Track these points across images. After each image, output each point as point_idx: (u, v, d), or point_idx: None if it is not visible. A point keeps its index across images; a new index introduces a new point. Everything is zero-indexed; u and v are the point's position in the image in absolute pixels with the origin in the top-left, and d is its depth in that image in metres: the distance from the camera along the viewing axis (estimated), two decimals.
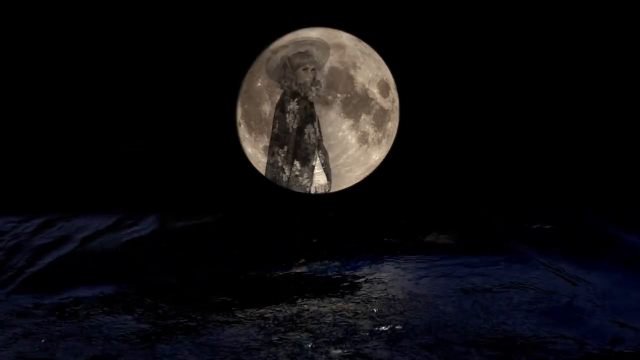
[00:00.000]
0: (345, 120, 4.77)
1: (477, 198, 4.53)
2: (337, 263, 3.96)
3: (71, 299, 3.70)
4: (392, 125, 4.59)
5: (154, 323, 3.39)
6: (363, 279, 3.75)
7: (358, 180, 4.58)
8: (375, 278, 3.75)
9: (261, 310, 3.45)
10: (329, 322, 3.31)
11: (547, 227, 4.29)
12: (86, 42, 4.62)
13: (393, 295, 3.54)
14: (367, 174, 4.58)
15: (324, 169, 4.50)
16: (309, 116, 4.41)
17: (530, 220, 4.36)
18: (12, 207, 4.67)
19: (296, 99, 4.38)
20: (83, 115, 4.68)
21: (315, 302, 3.52)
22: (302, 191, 4.39)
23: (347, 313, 3.39)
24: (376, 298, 3.52)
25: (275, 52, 4.38)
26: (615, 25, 4.51)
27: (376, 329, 3.24)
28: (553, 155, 4.60)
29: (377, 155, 4.65)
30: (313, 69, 4.40)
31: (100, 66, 4.63)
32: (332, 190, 4.54)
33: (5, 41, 4.64)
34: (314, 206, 4.47)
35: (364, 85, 4.69)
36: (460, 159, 4.58)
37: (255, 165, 4.51)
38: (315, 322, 3.32)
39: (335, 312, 3.41)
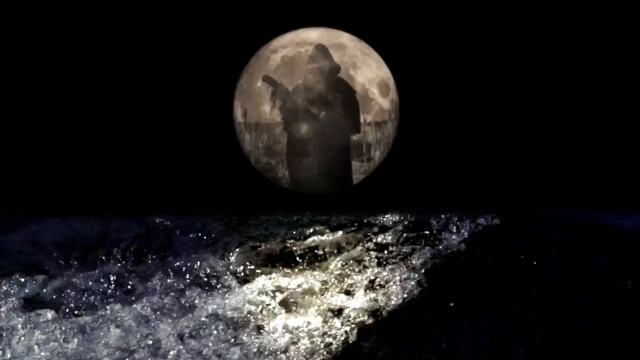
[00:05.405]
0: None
1: (477, 198, 4.51)
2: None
3: None
4: (392, 126, 4.59)
5: None
6: None
7: (358, 181, 4.58)
8: None
9: None
10: None
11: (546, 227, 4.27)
12: (87, 43, 4.63)
13: None
14: (367, 174, 4.59)
15: None
16: None
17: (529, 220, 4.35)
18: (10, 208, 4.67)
19: None
20: (82, 115, 4.68)
21: None
22: None
23: None
24: None
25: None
26: (615, 25, 4.51)
27: None
28: (553, 156, 4.59)
29: (377, 156, 4.64)
30: None
31: (100, 66, 4.63)
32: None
33: (5, 41, 4.65)
34: (315, 207, 4.47)
35: (364, 85, 4.69)
36: (460, 159, 4.57)
37: (255, 165, 4.53)
38: None
39: None
